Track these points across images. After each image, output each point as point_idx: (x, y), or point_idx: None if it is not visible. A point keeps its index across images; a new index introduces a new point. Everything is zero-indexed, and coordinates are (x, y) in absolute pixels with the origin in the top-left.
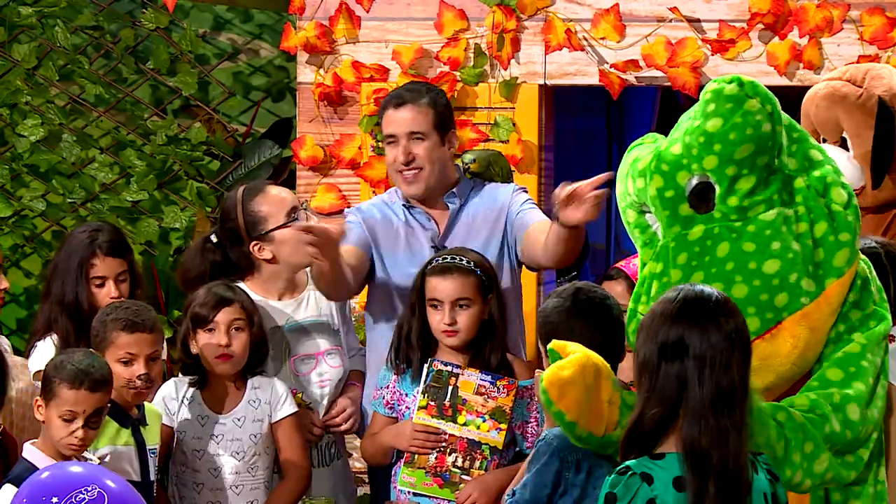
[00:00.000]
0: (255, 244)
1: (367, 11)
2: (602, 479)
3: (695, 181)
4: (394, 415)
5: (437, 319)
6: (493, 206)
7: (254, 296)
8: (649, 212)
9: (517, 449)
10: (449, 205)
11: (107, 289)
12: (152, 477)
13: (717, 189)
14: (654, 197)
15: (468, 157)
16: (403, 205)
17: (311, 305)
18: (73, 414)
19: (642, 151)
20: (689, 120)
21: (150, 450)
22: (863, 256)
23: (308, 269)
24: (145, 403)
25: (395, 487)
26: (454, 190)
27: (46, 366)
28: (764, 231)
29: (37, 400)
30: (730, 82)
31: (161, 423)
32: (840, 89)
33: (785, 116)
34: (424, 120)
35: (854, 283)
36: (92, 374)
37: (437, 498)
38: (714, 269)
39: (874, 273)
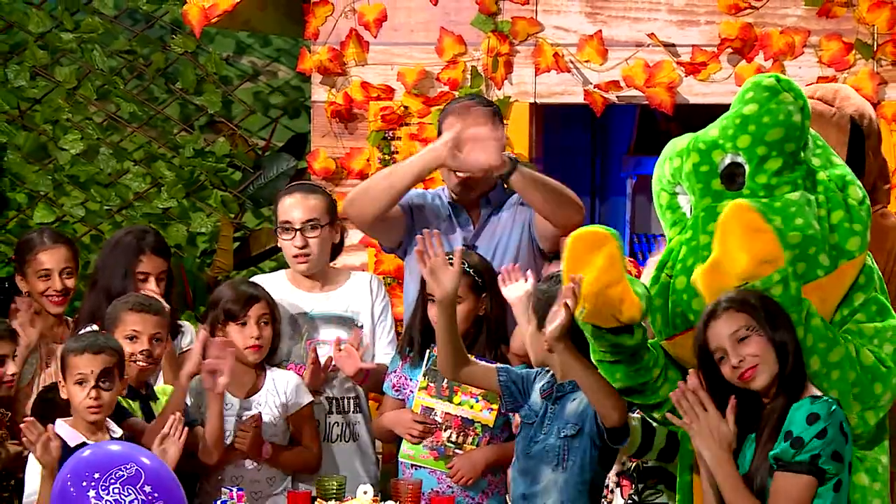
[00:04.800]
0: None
1: (375, 37)
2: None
3: (728, 160)
4: (400, 397)
5: (433, 313)
6: (514, 210)
7: (286, 283)
8: (681, 194)
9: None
10: (482, 209)
11: (149, 284)
12: None
13: (747, 167)
14: (689, 172)
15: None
16: (449, 203)
17: (340, 302)
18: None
19: (680, 141)
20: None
21: None
22: None
23: (337, 266)
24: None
25: (400, 461)
26: (489, 196)
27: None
28: (789, 208)
29: (60, 382)
30: (769, 77)
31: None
32: (815, 107)
33: (813, 132)
34: None
35: (863, 268)
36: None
37: (432, 469)
38: None
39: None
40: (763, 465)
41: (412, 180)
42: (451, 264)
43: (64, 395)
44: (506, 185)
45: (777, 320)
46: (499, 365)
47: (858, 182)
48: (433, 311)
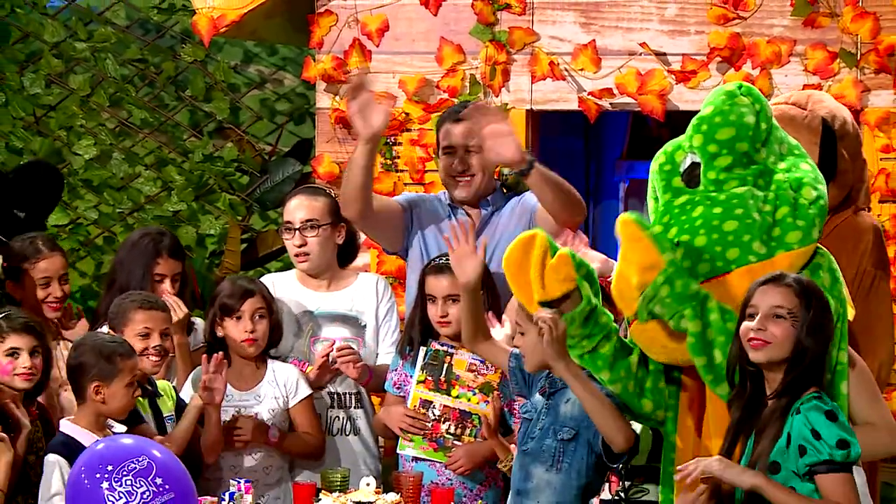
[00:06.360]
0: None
1: (377, 46)
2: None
3: (688, 160)
4: (401, 394)
5: (433, 312)
6: (514, 211)
7: (294, 281)
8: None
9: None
10: (482, 210)
11: (164, 285)
12: None
13: (701, 164)
14: (656, 172)
15: (507, 169)
16: (449, 205)
17: (345, 301)
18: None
19: None
20: None
21: (166, 417)
22: None
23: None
24: (156, 380)
25: (399, 454)
26: (489, 198)
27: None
28: (732, 200)
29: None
30: (731, 84)
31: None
32: (788, 111)
33: (794, 142)
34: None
35: (808, 264)
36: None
37: (431, 460)
38: (686, 225)
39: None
40: (761, 462)
41: (362, 171)
42: (448, 266)
43: (97, 397)
44: (505, 189)
45: (817, 328)
46: (514, 350)
47: (817, 186)
48: (433, 311)
